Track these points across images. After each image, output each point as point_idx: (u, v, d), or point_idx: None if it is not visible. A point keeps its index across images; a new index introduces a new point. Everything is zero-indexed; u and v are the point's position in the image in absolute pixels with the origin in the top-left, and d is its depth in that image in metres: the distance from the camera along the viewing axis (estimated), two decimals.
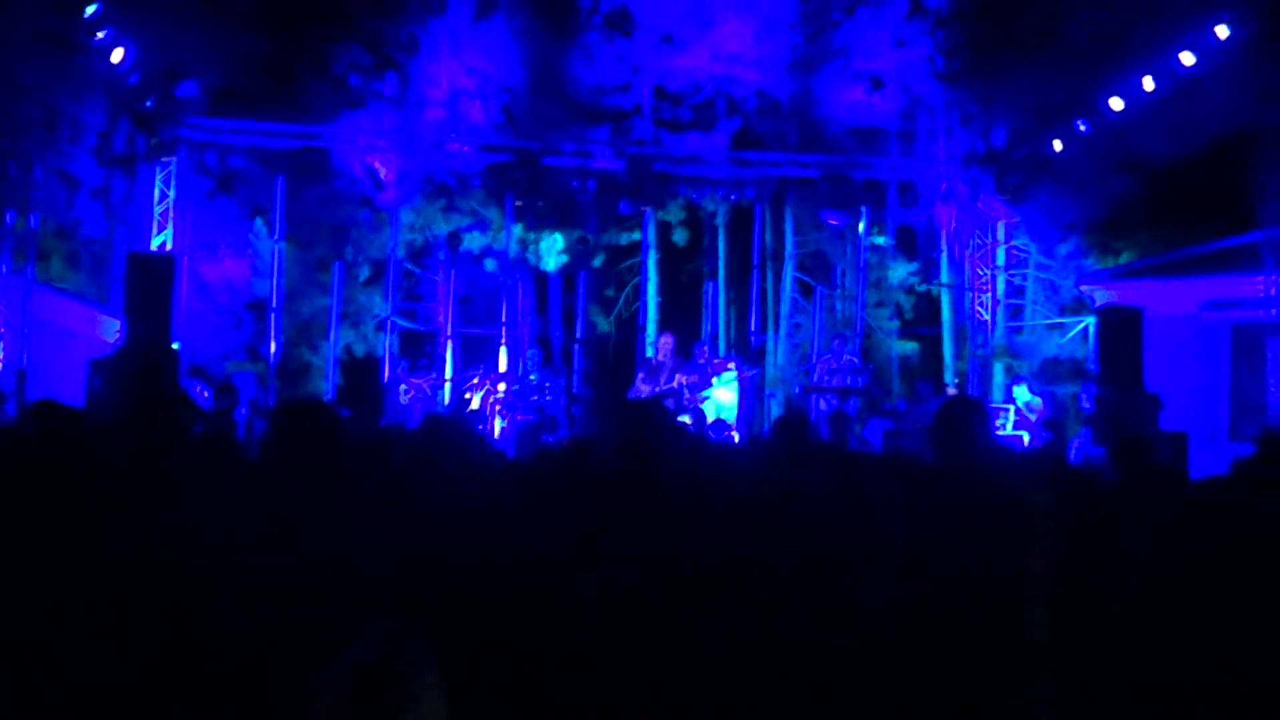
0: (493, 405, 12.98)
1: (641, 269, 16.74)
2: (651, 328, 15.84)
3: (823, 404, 12.91)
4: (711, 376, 12.68)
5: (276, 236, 14.57)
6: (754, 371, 14.03)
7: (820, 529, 3.46)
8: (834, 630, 3.08)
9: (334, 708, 1.82)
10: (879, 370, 15.13)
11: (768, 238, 16.78)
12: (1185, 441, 9.61)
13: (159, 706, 2.78)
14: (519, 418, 12.63)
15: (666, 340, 12.96)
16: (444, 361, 15.16)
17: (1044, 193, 14.40)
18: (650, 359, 13.28)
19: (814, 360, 14.85)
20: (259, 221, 14.90)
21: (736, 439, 12.12)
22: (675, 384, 12.30)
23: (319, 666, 1.87)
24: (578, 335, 16.98)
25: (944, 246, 15.72)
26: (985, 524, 3.35)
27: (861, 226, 15.41)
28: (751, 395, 14.07)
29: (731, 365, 13.05)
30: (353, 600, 2.85)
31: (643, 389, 12.41)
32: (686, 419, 11.83)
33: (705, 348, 13.71)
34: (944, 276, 16.03)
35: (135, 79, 12.96)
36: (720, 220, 17.28)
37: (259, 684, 2.69)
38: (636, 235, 16.70)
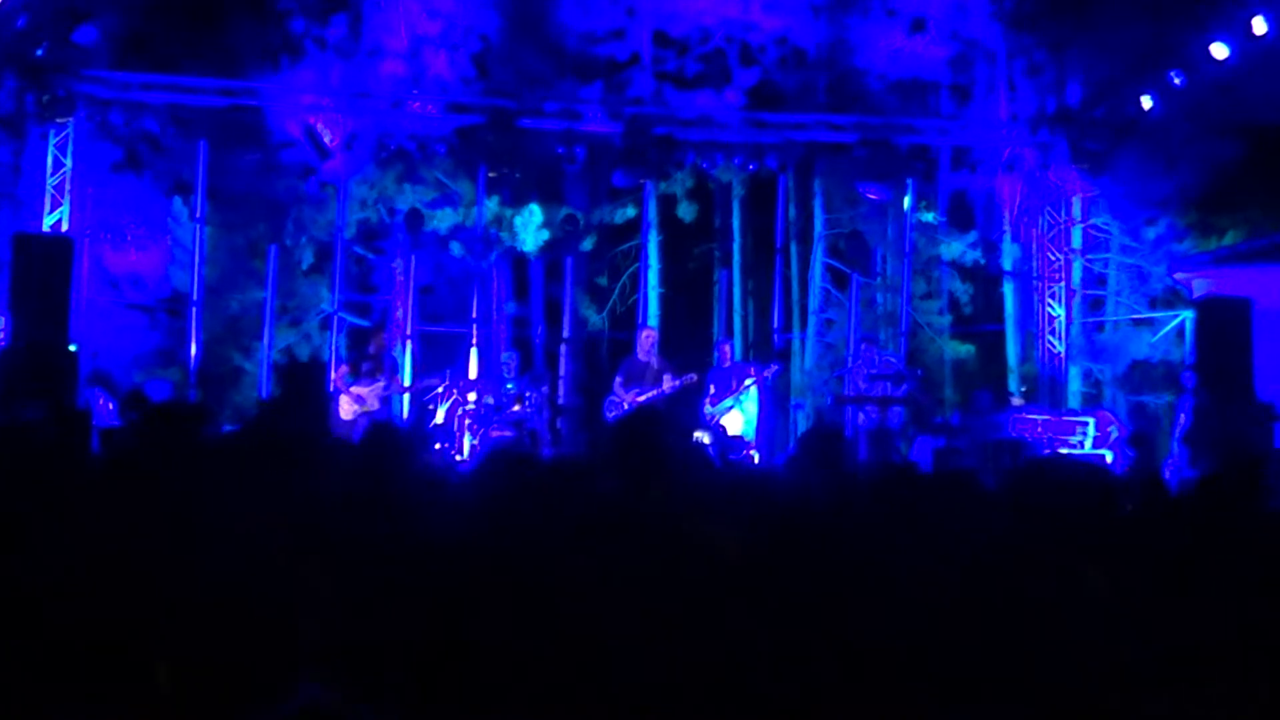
0: (461, 419, 13.28)
1: (640, 253, 17.17)
2: (654, 324, 15.85)
3: (861, 417, 13.34)
4: (731, 392, 12.70)
5: (198, 216, 14.63)
6: (775, 368, 13.94)
7: (867, 573, 3.22)
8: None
9: None
10: (927, 376, 15.34)
11: (793, 215, 17.14)
12: None
13: None
14: (493, 434, 12.91)
15: (649, 335, 13.64)
16: (401, 366, 15.06)
17: (1130, 161, 14.42)
18: (631, 360, 13.42)
19: (849, 364, 14.84)
20: (177, 199, 15.03)
21: (755, 459, 12.08)
22: (665, 387, 12.62)
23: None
24: (564, 334, 17.05)
25: (1007, 227, 15.93)
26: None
27: (907, 202, 15.62)
28: (773, 405, 14.01)
29: (750, 380, 13.00)
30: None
31: (623, 396, 12.74)
32: (705, 437, 11.93)
33: (728, 347, 13.75)
34: (1007, 263, 16.03)
35: (22, 21, 13.07)
36: (735, 194, 17.59)
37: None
38: (635, 212, 16.87)
